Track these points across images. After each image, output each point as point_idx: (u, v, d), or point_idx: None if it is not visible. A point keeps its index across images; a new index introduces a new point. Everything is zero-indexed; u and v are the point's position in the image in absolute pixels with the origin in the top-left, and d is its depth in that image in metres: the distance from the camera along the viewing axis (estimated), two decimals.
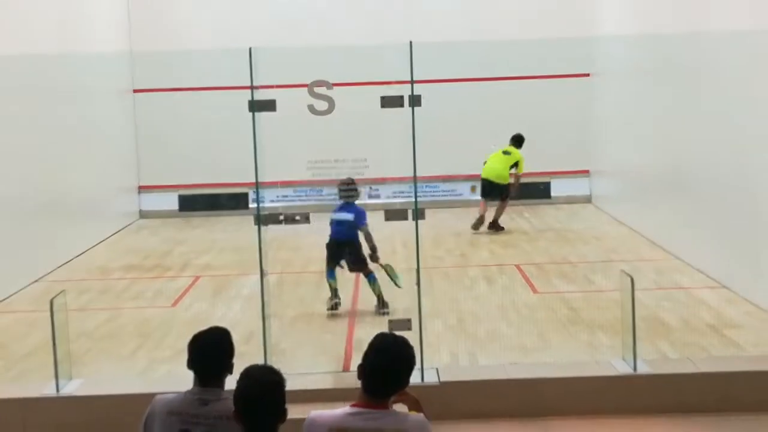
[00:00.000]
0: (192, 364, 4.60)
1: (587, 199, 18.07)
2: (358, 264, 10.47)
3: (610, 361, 8.07)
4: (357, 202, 10.55)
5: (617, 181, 16.42)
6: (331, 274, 10.48)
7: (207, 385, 4.53)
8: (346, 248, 10.40)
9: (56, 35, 13.95)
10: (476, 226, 15.38)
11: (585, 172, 18.13)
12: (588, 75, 17.63)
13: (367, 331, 8.56)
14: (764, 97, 9.89)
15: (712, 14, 11.43)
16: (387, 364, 4.17)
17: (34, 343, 9.45)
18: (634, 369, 7.77)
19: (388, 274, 10.37)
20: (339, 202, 10.52)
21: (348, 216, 10.33)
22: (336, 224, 10.44)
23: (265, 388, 4.02)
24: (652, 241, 13.72)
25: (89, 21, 15.73)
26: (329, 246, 10.50)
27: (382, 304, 10.33)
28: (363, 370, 4.21)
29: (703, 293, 10.75)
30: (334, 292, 10.48)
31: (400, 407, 4.35)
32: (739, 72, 10.51)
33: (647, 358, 8.06)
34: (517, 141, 15.83)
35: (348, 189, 10.30)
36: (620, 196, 16.22)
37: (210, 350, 4.59)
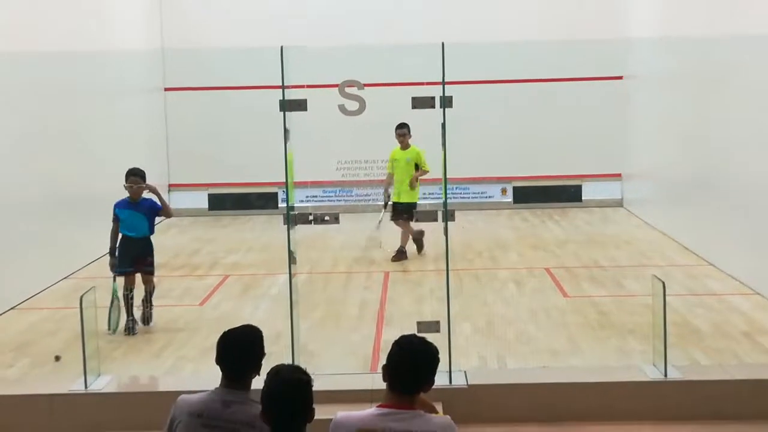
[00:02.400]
0: (220, 360, 4.55)
1: (619, 203, 17.95)
2: None
3: (640, 366, 8.00)
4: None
5: (649, 185, 16.29)
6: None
7: (233, 385, 4.50)
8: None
9: (87, 33, 14.01)
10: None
11: (617, 176, 17.99)
12: (621, 78, 17.51)
13: (395, 333, 8.48)
14: None
15: (748, 17, 11.31)
16: (411, 363, 4.20)
17: (63, 340, 9.48)
18: (665, 375, 7.68)
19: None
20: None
21: None
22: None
23: (293, 387, 4.03)
24: (684, 246, 13.60)
25: (120, 18, 15.79)
26: None
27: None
28: (388, 370, 4.22)
29: (735, 299, 10.62)
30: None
31: None
32: None
33: (678, 364, 7.97)
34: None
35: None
36: (652, 200, 16.08)
37: (240, 348, 4.55)
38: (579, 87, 17.73)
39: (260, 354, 4.59)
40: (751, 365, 8.28)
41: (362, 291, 11.60)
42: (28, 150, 11.70)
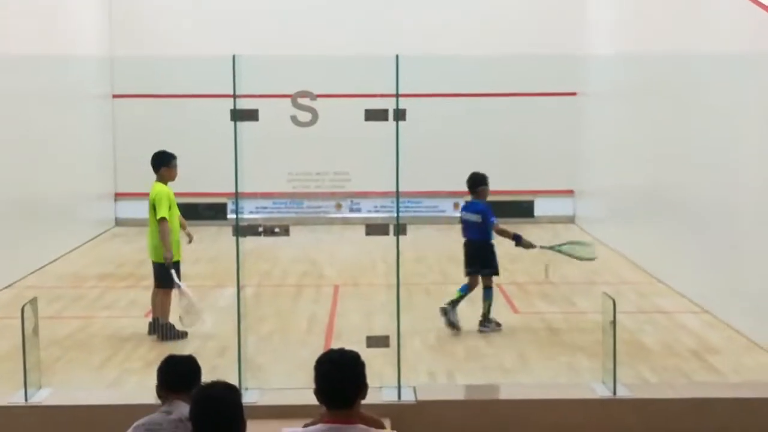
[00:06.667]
0: (165, 386, 4.75)
1: (571, 220, 17.98)
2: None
3: (589, 384, 7.99)
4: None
5: (601, 202, 16.36)
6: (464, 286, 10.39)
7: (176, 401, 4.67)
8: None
9: (35, 37, 13.76)
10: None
11: (569, 192, 18.05)
12: (574, 94, 17.57)
13: (344, 347, 8.42)
14: (749, 121, 9.86)
15: (701, 36, 11.39)
16: (334, 378, 4.19)
17: (2, 350, 9.26)
18: (614, 393, 7.66)
19: (568, 254, 10.28)
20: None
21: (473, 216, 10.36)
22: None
23: (218, 402, 4.03)
24: (635, 264, 13.65)
25: (69, 24, 15.56)
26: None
27: (485, 320, 10.17)
28: (316, 392, 4.24)
29: (684, 317, 10.66)
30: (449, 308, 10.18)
31: None
32: (725, 94, 10.46)
33: (627, 382, 7.96)
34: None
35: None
36: (604, 217, 16.14)
37: (181, 377, 4.73)
38: (532, 102, 17.76)
39: (199, 378, 4.74)
40: (698, 383, 8.31)
41: (311, 304, 11.50)
42: None
